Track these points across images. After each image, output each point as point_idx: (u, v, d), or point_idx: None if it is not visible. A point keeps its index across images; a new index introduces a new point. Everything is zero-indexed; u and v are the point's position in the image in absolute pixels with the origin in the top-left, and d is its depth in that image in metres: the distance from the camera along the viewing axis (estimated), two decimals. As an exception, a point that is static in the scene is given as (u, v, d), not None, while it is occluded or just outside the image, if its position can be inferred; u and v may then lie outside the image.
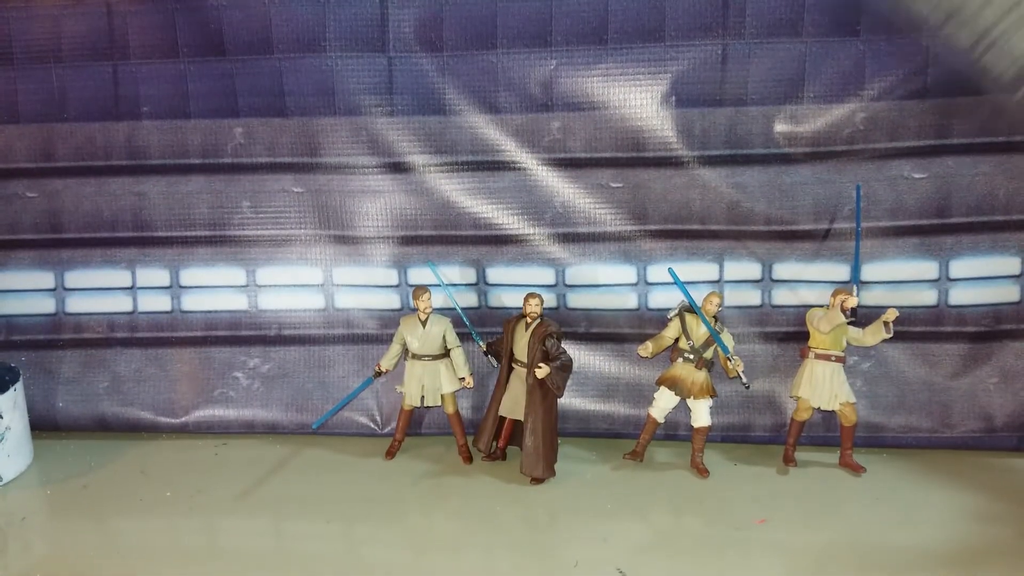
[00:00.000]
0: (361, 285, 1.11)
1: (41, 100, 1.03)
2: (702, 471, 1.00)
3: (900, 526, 0.89)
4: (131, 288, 1.09)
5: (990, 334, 1.06)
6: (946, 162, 1.00)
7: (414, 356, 1.02)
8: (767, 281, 1.05)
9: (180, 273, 1.08)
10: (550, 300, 1.06)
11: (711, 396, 1.01)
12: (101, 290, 1.09)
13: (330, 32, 1.02)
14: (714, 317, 1.00)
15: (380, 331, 1.11)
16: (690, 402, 1.02)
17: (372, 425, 1.12)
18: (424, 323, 1.01)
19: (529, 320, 0.99)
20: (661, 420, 1.04)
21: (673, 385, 1.02)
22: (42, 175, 1.06)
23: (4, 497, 0.88)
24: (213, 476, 0.93)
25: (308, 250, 1.09)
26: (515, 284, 1.07)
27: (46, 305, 1.09)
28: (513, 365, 1.01)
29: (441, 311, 1.03)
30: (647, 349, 1.01)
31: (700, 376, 1.01)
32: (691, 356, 1.00)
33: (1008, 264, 1.03)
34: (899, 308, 1.00)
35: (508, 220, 1.05)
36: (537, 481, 0.98)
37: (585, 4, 0.99)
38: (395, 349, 1.06)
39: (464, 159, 1.05)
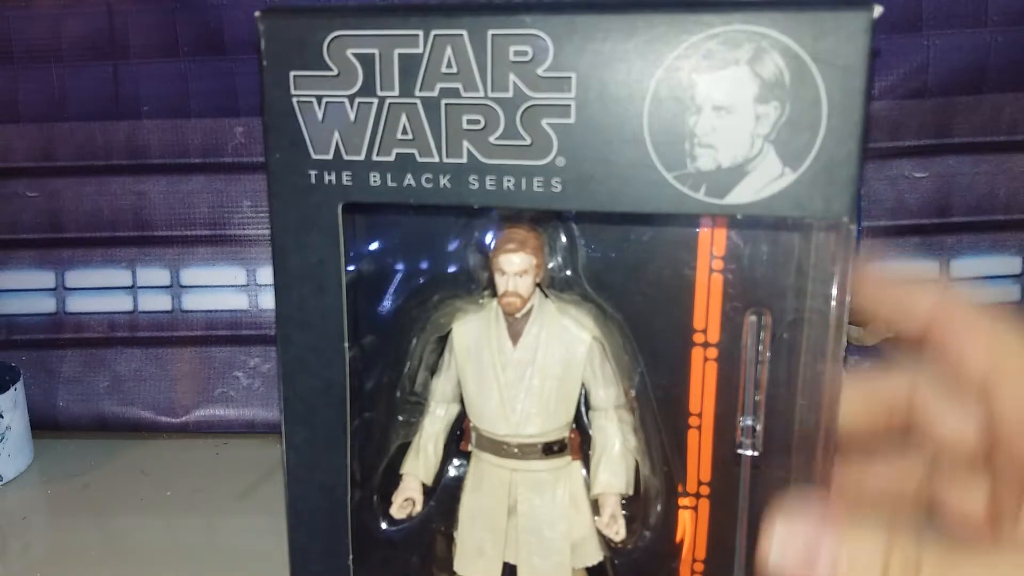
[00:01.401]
0: (361, 284, 1.10)
1: (41, 100, 1.01)
2: None
3: (900, 526, 0.88)
4: (131, 287, 1.08)
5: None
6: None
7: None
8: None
9: (181, 272, 1.08)
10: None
11: None
12: (101, 289, 1.08)
13: (330, 31, 1.01)
14: None
15: (380, 331, 1.10)
16: None
17: (372, 424, 1.12)
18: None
19: None
20: None
21: None
22: (42, 174, 1.04)
23: (4, 497, 0.87)
24: (213, 476, 0.92)
25: (308, 249, 1.09)
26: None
27: (46, 304, 1.08)
28: None
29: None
30: None
31: None
32: None
33: (1008, 264, 1.03)
34: (900, 307, 0.99)
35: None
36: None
37: None
38: (395, 349, 1.06)
39: (464, 158, 1.04)
